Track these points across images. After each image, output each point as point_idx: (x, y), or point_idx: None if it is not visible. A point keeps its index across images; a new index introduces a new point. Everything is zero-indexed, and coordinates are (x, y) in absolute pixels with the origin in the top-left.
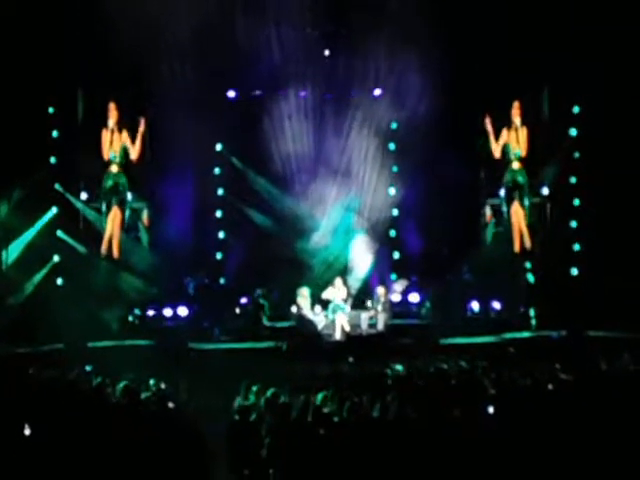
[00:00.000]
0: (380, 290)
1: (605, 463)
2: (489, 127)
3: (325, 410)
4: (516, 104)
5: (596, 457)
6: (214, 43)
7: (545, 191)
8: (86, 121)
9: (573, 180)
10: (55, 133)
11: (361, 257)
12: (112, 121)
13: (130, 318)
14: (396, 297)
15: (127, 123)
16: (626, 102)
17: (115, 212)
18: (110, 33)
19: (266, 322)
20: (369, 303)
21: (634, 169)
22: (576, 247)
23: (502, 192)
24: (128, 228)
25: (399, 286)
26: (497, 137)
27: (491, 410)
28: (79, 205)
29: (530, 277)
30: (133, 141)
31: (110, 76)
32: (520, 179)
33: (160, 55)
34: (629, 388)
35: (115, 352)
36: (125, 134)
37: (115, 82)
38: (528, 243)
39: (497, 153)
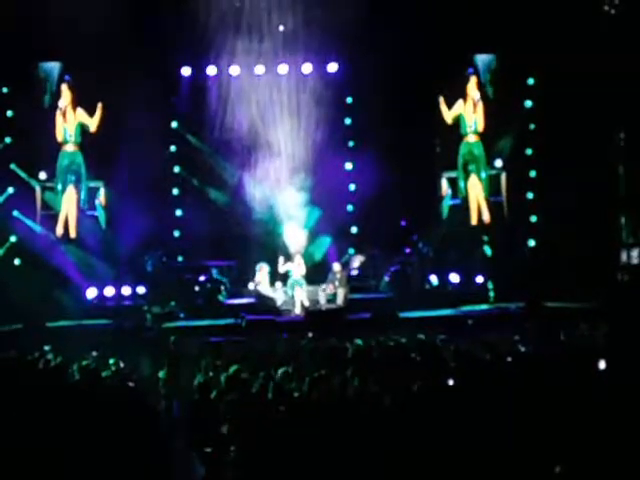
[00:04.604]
0: (336, 267)
1: (565, 434)
2: (442, 105)
3: (285, 386)
4: (473, 79)
5: (556, 428)
6: (168, 19)
7: (499, 163)
8: (41, 100)
9: (529, 152)
10: (10, 113)
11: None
12: (65, 102)
13: (88, 298)
14: (355, 272)
15: (82, 101)
16: (580, 73)
17: (71, 191)
18: (62, 9)
19: (225, 299)
20: (327, 279)
21: (589, 139)
22: (533, 219)
23: (459, 165)
24: (85, 207)
25: (356, 261)
26: (450, 107)
27: (451, 383)
28: (35, 185)
29: (487, 249)
30: (90, 116)
31: (63, 53)
32: (476, 152)
33: (114, 31)
34: (587, 358)
35: (74, 332)
36: (80, 111)
37: (69, 60)
38: (486, 216)
39: (449, 120)
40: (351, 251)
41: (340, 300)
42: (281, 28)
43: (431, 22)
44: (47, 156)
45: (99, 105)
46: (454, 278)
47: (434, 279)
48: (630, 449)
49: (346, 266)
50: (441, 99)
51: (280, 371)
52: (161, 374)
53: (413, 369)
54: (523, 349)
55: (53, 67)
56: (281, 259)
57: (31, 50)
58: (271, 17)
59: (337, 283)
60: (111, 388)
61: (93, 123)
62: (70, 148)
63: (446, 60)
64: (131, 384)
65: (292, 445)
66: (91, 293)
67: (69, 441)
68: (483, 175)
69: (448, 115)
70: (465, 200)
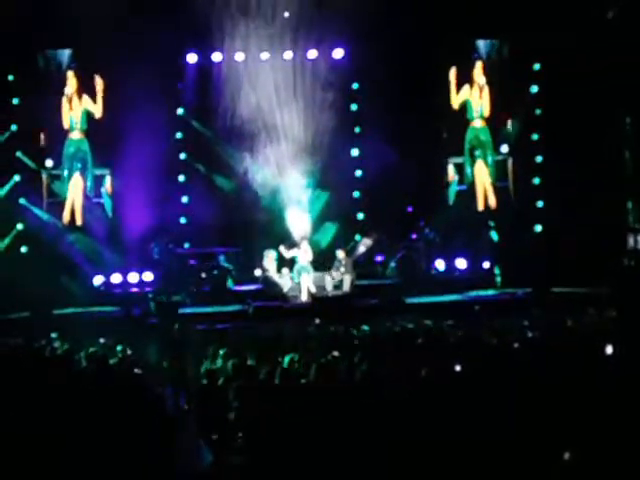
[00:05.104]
0: (340, 254)
1: (573, 420)
2: (452, 78)
3: (292, 372)
4: (479, 64)
5: (564, 413)
6: (174, 6)
7: (505, 148)
8: (47, 87)
9: (535, 137)
10: (16, 100)
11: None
12: (71, 89)
13: (95, 285)
14: (361, 257)
15: (87, 88)
16: (586, 58)
17: (77, 179)
18: None
19: (232, 285)
20: (332, 265)
21: (595, 124)
22: (539, 204)
23: (465, 150)
24: (91, 195)
25: (363, 246)
26: (458, 91)
27: (458, 369)
28: (42, 173)
29: (494, 235)
30: (95, 103)
31: (69, 40)
32: (483, 137)
33: (120, 19)
34: (594, 343)
35: (81, 319)
36: (86, 98)
37: (75, 46)
38: (492, 201)
39: (456, 105)
40: (358, 237)
41: (346, 286)
42: (286, 14)
43: (437, 7)
44: (53, 144)
45: (98, 80)
46: (461, 264)
47: (441, 265)
48: (638, 434)
49: (352, 252)
50: (452, 79)
51: (287, 357)
52: (167, 361)
53: (420, 355)
54: (530, 334)
55: (62, 54)
56: (285, 245)
57: (36, 38)
58: (276, 3)
59: (343, 270)
60: (118, 375)
61: (98, 109)
62: (76, 135)
63: (452, 46)
64: (138, 371)
65: (299, 431)
66: (98, 280)
67: (76, 428)
68: (490, 160)
69: (455, 100)
70: (472, 185)
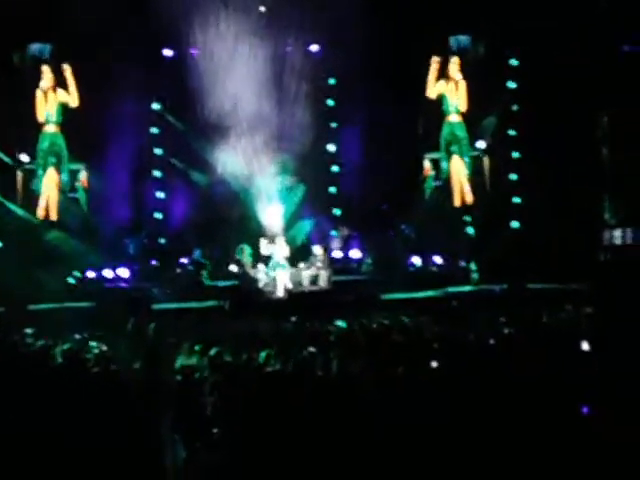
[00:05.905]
0: (318, 249)
1: (547, 416)
2: (433, 69)
3: (268, 368)
4: (455, 59)
5: (539, 409)
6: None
7: (481, 144)
8: (22, 81)
9: (512, 133)
10: None
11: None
12: (46, 82)
13: (70, 280)
14: (337, 253)
15: (63, 82)
16: (563, 53)
17: (52, 174)
18: None
19: (207, 281)
20: (308, 261)
21: (572, 120)
22: (516, 200)
23: (441, 146)
24: (66, 190)
25: (339, 240)
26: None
27: (434, 365)
28: (16, 167)
29: (471, 231)
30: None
31: (45, 34)
32: (459, 132)
33: (96, 12)
34: (571, 340)
35: (56, 315)
36: (61, 92)
37: (51, 40)
38: (468, 197)
39: (432, 94)
40: (334, 233)
41: (323, 282)
42: (262, 8)
43: (413, 2)
44: (28, 138)
45: (67, 69)
46: (437, 260)
47: (417, 261)
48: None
49: (328, 247)
50: (434, 64)
51: (263, 353)
52: (141, 358)
53: (396, 351)
54: (506, 331)
55: (38, 48)
56: (263, 241)
57: (12, 32)
58: None
59: (320, 265)
60: (93, 371)
61: (73, 98)
62: (51, 129)
63: (428, 41)
64: (114, 367)
65: (275, 427)
66: (72, 276)
67: (51, 424)
68: (466, 156)
69: (432, 89)
70: (448, 181)
